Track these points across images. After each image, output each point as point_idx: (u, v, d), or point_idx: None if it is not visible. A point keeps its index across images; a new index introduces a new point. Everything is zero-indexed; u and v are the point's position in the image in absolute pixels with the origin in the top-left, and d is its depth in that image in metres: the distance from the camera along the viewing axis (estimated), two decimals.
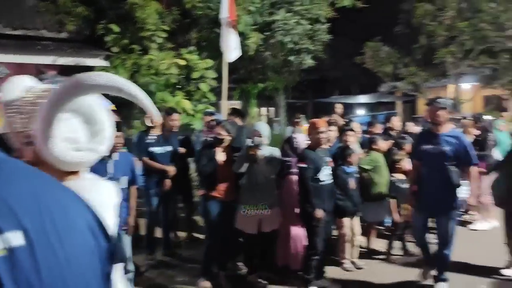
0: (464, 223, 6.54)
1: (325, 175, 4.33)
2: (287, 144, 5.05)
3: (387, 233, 5.81)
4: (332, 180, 4.44)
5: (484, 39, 12.12)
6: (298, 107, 21.94)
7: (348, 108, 17.91)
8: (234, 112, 5.96)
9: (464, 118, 9.37)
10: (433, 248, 4.42)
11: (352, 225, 5.10)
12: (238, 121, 5.69)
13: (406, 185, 5.20)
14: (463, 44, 12.34)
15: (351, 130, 5.52)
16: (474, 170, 4.18)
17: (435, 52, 12.67)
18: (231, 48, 6.50)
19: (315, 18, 8.00)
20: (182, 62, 7.57)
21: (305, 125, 11.13)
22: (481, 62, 12.57)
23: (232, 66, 7.04)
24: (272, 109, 23.73)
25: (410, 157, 4.86)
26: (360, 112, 20.56)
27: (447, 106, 4.17)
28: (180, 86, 7.82)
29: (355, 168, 5.15)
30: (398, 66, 14.00)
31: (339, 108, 8.93)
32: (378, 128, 6.73)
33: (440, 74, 13.98)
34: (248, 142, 4.51)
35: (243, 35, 7.23)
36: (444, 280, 4.25)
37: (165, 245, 5.46)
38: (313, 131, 4.42)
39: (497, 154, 6.62)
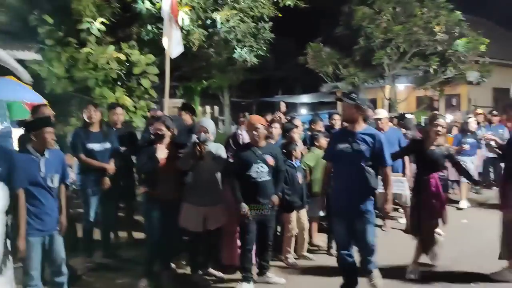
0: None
1: (258, 172, 4.24)
2: (232, 141, 5.03)
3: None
4: (269, 178, 4.33)
5: (417, 43, 12.81)
6: (243, 106, 22.05)
7: (291, 108, 18.23)
8: (185, 107, 5.84)
9: (396, 117, 9.95)
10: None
11: (300, 219, 5.18)
12: (189, 117, 5.60)
13: None
14: (398, 47, 12.96)
15: (296, 127, 5.61)
16: (386, 171, 3.92)
17: (373, 54, 13.20)
18: (174, 44, 6.36)
19: (259, 17, 8.06)
20: (123, 57, 7.31)
21: None
22: (414, 64, 13.28)
23: (175, 63, 6.90)
24: (216, 107, 23.61)
25: (324, 158, 4.41)
26: (303, 111, 20.99)
27: (359, 102, 3.78)
28: (121, 82, 7.55)
29: (300, 163, 5.26)
30: (338, 66, 14.43)
31: (282, 106, 9.04)
32: (320, 126, 6.88)
33: (378, 75, 14.59)
34: (194, 138, 4.44)
35: (186, 31, 7.11)
36: (374, 267, 3.98)
37: (105, 246, 5.25)
38: (250, 127, 4.37)
39: None
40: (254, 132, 4.31)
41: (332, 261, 5.32)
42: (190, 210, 4.37)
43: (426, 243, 4.74)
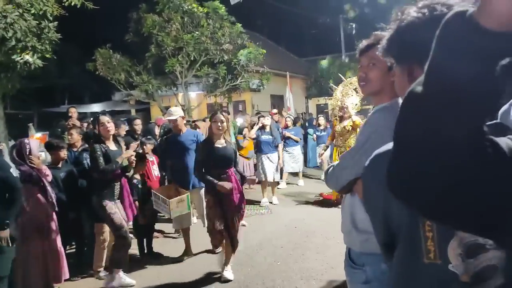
0: None
1: None
2: (16, 152, 4.38)
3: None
4: None
5: (205, 51, 13.58)
6: (21, 119, 19.40)
7: (82, 117, 16.94)
8: None
9: (195, 121, 10.42)
10: None
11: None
12: None
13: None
14: (188, 55, 13.49)
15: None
16: None
17: (165, 61, 13.40)
18: None
19: (41, 14, 7.19)
20: None
21: (36, 135, 9.95)
22: (204, 72, 14.02)
23: None
24: None
25: None
26: None
27: None
28: None
29: None
30: (131, 74, 14.12)
31: (73, 111, 8.37)
32: (123, 130, 6.68)
33: (171, 83, 14.87)
34: None
35: None
36: None
37: None
38: None
39: None
40: None
41: (146, 271, 5.21)
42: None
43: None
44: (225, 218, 4.68)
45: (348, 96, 7.16)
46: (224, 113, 5.18)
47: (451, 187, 0.68)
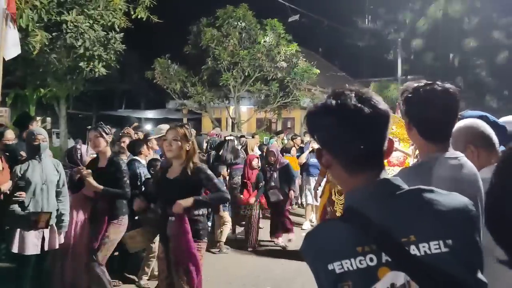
0: None
1: None
2: (70, 155, 4.67)
3: None
4: None
5: (260, 68, 13.79)
6: (81, 119, 20.48)
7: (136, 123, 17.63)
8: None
9: (243, 136, 10.41)
10: None
11: None
12: None
13: None
14: (243, 70, 13.74)
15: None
16: None
17: (220, 74, 13.73)
18: (9, 44, 5.58)
19: (109, 26, 7.61)
20: None
21: None
22: (257, 88, 14.21)
23: (4, 67, 6.03)
24: (49, 119, 21.51)
25: None
26: (148, 127, 20.51)
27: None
28: None
29: None
30: (186, 84, 14.57)
31: (134, 122, 8.66)
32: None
33: (223, 96, 15.19)
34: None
35: (25, 32, 6.28)
36: None
37: None
38: None
39: None
40: None
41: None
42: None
43: None
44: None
45: None
46: (186, 127, 3.31)
47: None
